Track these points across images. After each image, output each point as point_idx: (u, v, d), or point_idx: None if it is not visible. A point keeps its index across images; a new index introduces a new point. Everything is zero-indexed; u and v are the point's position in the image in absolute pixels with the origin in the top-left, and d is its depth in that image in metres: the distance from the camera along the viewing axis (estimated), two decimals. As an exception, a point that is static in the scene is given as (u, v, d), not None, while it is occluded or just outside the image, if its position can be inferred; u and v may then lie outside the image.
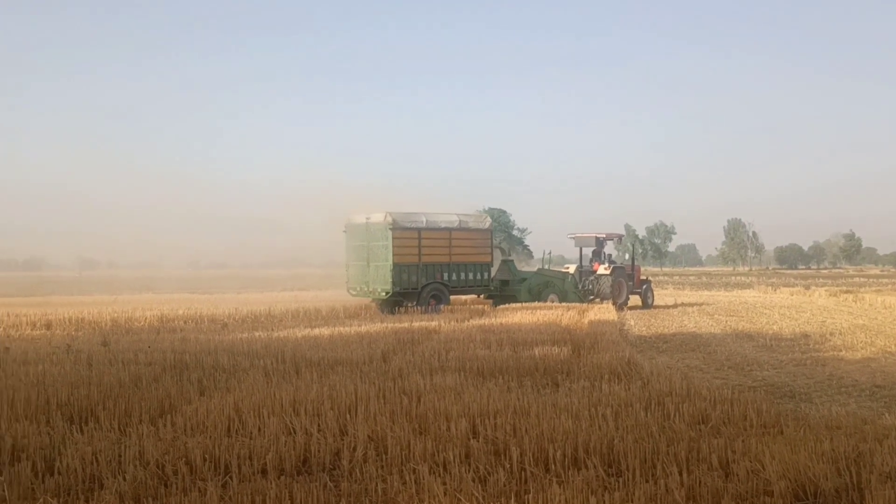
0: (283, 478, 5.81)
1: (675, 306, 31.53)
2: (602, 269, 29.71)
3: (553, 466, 6.03)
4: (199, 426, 7.33)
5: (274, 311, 22.51)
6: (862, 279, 69.36)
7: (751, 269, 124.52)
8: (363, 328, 17.33)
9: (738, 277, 78.15)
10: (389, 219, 25.04)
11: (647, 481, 5.54)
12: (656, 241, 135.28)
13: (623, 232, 48.13)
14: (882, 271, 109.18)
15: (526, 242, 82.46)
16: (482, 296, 28.19)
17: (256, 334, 16.20)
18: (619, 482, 5.61)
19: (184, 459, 6.19)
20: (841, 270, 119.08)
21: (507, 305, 25.18)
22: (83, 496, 5.39)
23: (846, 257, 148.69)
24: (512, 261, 29.74)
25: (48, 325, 18.78)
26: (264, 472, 6.02)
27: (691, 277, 78.28)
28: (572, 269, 30.33)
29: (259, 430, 7.15)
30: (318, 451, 6.48)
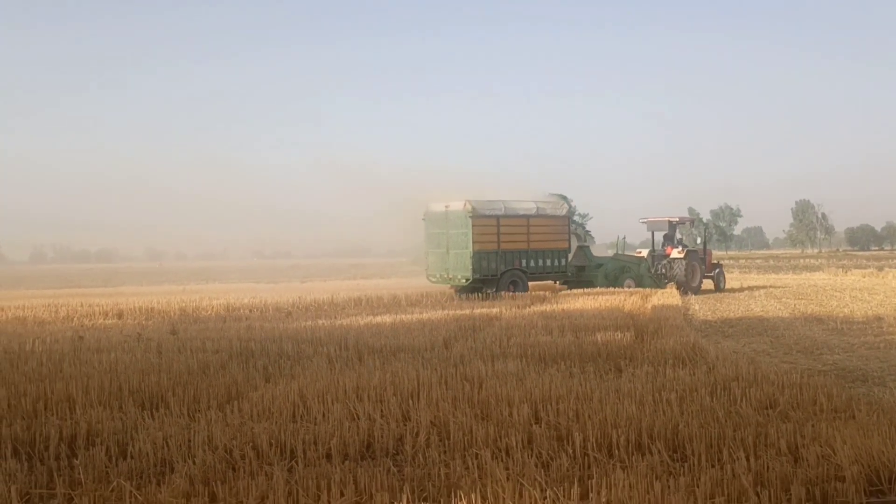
0: (347, 462, 5.89)
1: (741, 290, 30.87)
2: (676, 253, 29.44)
3: (617, 452, 5.98)
4: (265, 412, 7.47)
5: (336, 299, 22.78)
6: (939, 259, 66.73)
7: (820, 251, 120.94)
8: (424, 316, 17.42)
9: (807, 260, 76.01)
10: (469, 206, 25.48)
11: (713, 466, 5.45)
12: (721, 224, 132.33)
13: (691, 216, 47.49)
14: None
15: (587, 228, 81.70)
16: (558, 282, 28.22)
17: (320, 322, 16.44)
18: (684, 467, 5.53)
19: (251, 444, 6.32)
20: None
21: (568, 291, 25.00)
22: (155, 479, 5.55)
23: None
24: (588, 246, 29.71)
25: (119, 315, 19.39)
26: (329, 456, 6.11)
27: (758, 261, 76.50)
28: (645, 253, 30.08)
29: (323, 415, 7.26)
30: (382, 436, 6.55)
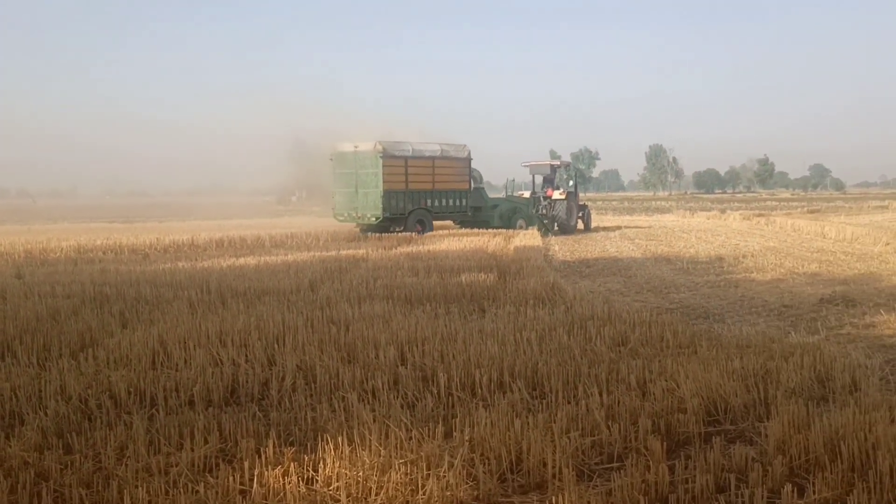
0: (210, 409, 5.80)
1: (596, 230, 32.25)
2: (557, 195, 30.96)
3: (479, 391, 6.18)
4: (122, 359, 7.21)
5: (197, 240, 22.07)
6: (774, 203, 72.04)
7: (670, 194, 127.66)
8: (290, 258, 17.19)
9: (658, 202, 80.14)
10: (379, 147, 26.07)
11: (568, 402, 5.75)
12: (581, 166, 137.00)
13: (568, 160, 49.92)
14: (793, 195, 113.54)
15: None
16: (455, 222, 29.02)
17: (179, 265, 15.90)
18: (542, 404, 5.80)
19: (107, 393, 6.11)
20: (755, 194, 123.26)
21: (433, 233, 25.32)
22: (3, 432, 5.27)
23: (760, 182, 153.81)
24: (483, 188, 30.42)
25: (-44, 258, 18.01)
26: (192, 403, 6.00)
27: (614, 202, 79.87)
28: (527, 195, 31.51)
29: (185, 362, 7.09)
30: (247, 381, 6.48)
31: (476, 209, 28.95)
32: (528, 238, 22.85)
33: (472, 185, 29.12)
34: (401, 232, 25.55)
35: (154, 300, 10.84)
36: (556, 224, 30.45)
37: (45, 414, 5.58)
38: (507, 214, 29.27)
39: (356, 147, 26.78)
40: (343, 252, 18.33)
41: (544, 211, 30.53)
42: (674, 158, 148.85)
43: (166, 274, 13.75)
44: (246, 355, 7.28)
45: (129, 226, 37.28)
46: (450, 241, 21.29)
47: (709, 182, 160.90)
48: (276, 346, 7.67)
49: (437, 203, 27.56)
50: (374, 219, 26.28)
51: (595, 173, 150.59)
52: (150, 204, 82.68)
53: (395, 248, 19.62)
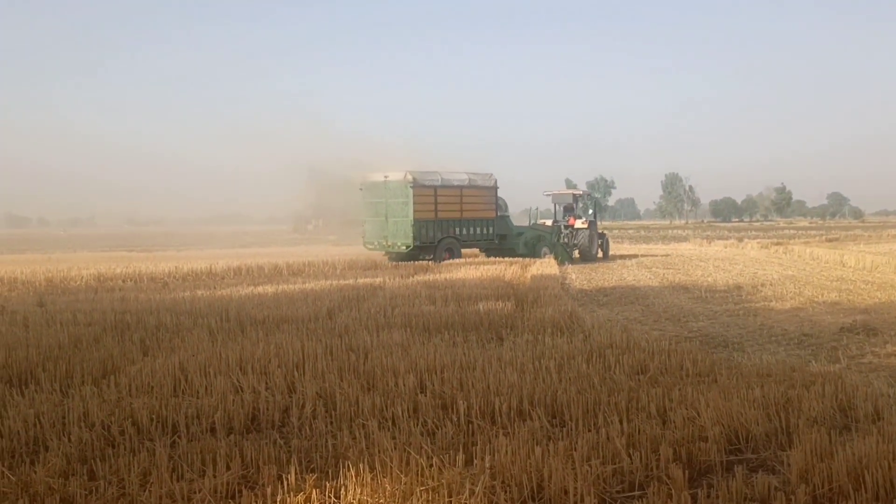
0: (232, 436, 5.83)
1: (613, 259, 32.20)
2: (580, 224, 31.61)
3: (499, 419, 6.18)
4: (144, 386, 7.27)
5: (215, 268, 22.22)
6: (791, 231, 71.66)
7: (687, 223, 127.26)
8: (307, 286, 17.27)
9: (675, 231, 79.92)
10: (409, 177, 26.66)
11: (589, 430, 5.73)
12: (597, 195, 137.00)
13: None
14: (810, 223, 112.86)
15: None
16: (481, 250, 29.43)
17: (198, 293, 16.01)
18: (562, 432, 5.80)
19: (130, 420, 6.15)
20: (772, 223, 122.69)
21: (450, 262, 25.39)
22: (28, 459, 5.33)
23: (777, 210, 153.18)
24: (508, 216, 30.76)
25: (-21, 286, 18.22)
26: (213, 430, 6.03)
27: (630, 231, 79.72)
28: (549, 223, 32.14)
29: (206, 389, 7.14)
30: (267, 408, 6.51)
31: (502, 237, 29.37)
32: (545, 266, 22.85)
33: (498, 213, 29.62)
34: (430, 260, 26.06)
35: (174, 328, 10.93)
36: (577, 252, 31.01)
37: (69, 440, 5.63)
38: (532, 242, 29.71)
39: (386, 177, 27.34)
40: (360, 280, 18.40)
41: (566, 240, 30.95)
42: (690, 187, 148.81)
43: (185, 302, 13.86)
44: (266, 383, 7.32)
45: (147, 254, 37.64)
46: (467, 269, 21.33)
47: (725, 210, 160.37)
48: (295, 373, 7.71)
49: (465, 231, 28.02)
50: (404, 247, 26.70)
51: (611, 202, 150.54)
52: (167, 233, 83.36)
53: (413, 277, 19.67)
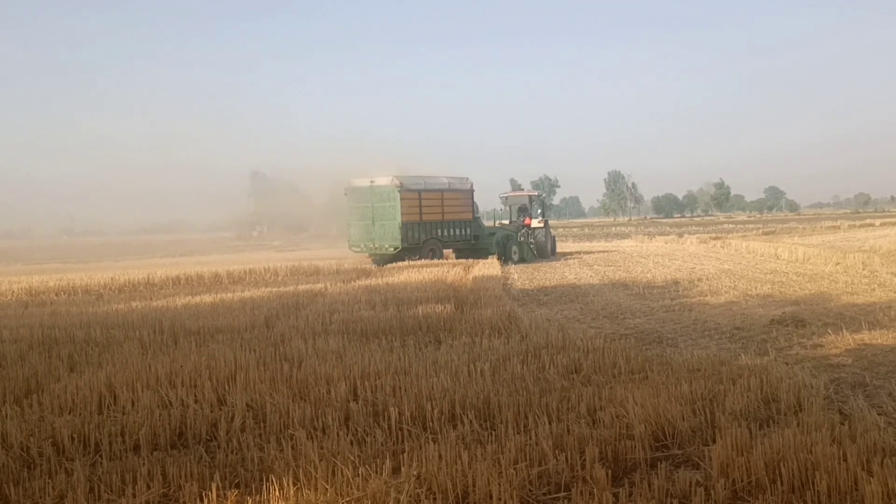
0: (156, 453, 5.70)
1: (556, 257, 32.52)
2: (536, 223, 33.04)
3: (430, 424, 6.16)
4: (67, 404, 7.05)
5: (153, 279, 21.75)
6: (730, 225, 73.37)
7: (630, 220, 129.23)
8: (246, 294, 17.02)
9: (618, 228, 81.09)
10: (397, 182, 28.00)
11: (518, 433, 5.75)
12: (541, 194, 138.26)
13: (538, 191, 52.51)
14: (749, 217, 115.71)
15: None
16: (455, 250, 30.44)
17: (133, 304, 15.65)
18: (492, 435, 5.80)
19: (50, 440, 5.97)
20: (712, 218, 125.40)
21: (392, 266, 25.35)
22: (-61, 486, 5.12)
23: (717, 205, 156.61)
24: (480, 217, 32.23)
25: None
26: (137, 448, 5.89)
27: (574, 229, 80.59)
28: (506, 224, 33.44)
29: (132, 404, 6.96)
30: (195, 422, 6.38)
31: (476, 237, 30.66)
32: (486, 268, 22.93)
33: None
34: (416, 260, 27.09)
35: (105, 342, 10.65)
36: (534, 250, 32.26)
37: (-16, 464, 5.43)
38: (503, 242, 30.84)
39: (372, 181, 28.54)
40: (301, 287, 18.21)
41: (522, 238, 32.03)
42: (633, 184, 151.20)
43: (119, 315, 13.53)
44: (195, 396, 7.17)
45: (83, 265, 36.69)
46: (409, 272, 21.27)
47: (667, 207, 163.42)
48: (227, 385, 7.56)
49: (446, 233, 29.50)
50: (392, 249, 27.88)
51: (556, 200, 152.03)
52: (105, 243, 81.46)
53: (355, 282, 19.55)
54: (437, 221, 29.21)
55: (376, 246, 28.44)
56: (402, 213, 27.76)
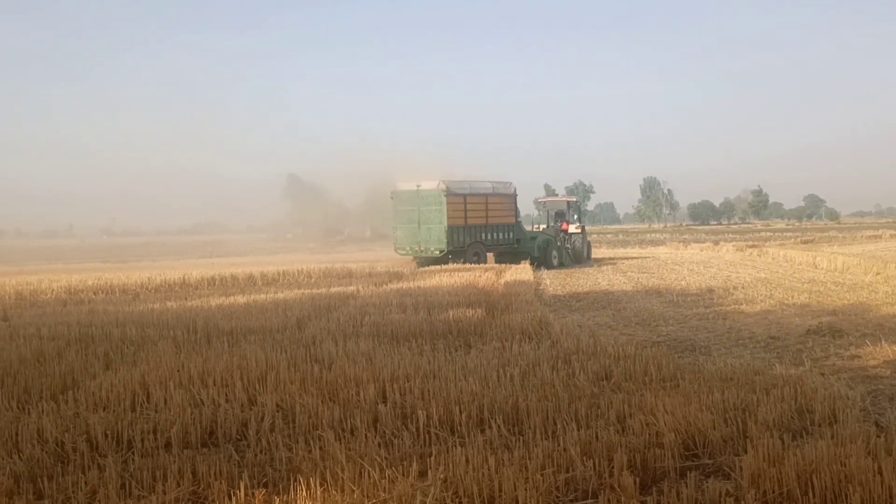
0: (187, 451, 5.77)
1: (590, 263, 32.33)
2: (573, 229, 33.37)
3: (458, 428, 6.15)
4: (102, 401, 7.18)
5: (189, 279, 22.04)
6: (768, 233, 72.29)
7: (665, 226, 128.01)
8: (279, 295, 17.18)
9: (653, 234, 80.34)
10: (443, 186, 28.62)
11: (546, 439, 5.72)
12: (578, 200, 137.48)
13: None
14: (787, 225, 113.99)
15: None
16: (496, 254, 30.93)
17: (168, 304, 15.87)
18: (520, 441, 5.78)
19: (84, 436, 6.07)
20: (749, 225, 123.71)
21: (424, 269, 25.41)
22: (-23, 478, 5.23)
23: (754, 212, 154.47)
24: (521, 222, 32.47)
25: (-54, 301, 17.95)
26: (168, 446, 5.96)
27: (609, 235, 79.98)
28: (542, 228, 33.60)
29: (165, 402, 7.06)
30: (225, 421, 6.45)
31: (518, 241, 30.97)
32: (519, 273, 22.87)
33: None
34: (461, 263, 27.62)
35: (139, 341, 10.81)
36: (572, 255, 32.44)
37: (20, 458, 5.54)
38: (543, 246, 30.97)
39: (419, 186, 29.15)
40: (333, 289, 18.32)
41: (559, 244, 32.17)
42: (668, 191, 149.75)
43: (154, 314, 13.73)
44: (226, 395, 7.25)
45: (122, 265, 37.30)
46: (441, 276, 21.29)
47: (704, 214, 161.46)
48: (257, 385, 7.64)
49: (490, 236, 29.87)
50: (437, 252, 28.47)
51: (590, 206, 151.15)
52: (145, 243, 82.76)
53: (386, 285, 19.62)
54: (482, 225, 29.65)
55: (422, 249, 29.01)
56: (447, 217, 28.32)
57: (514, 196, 31.40)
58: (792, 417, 6.19)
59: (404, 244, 29.78)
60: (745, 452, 5.32)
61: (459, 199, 28.92)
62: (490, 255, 30.56)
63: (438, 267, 26.11)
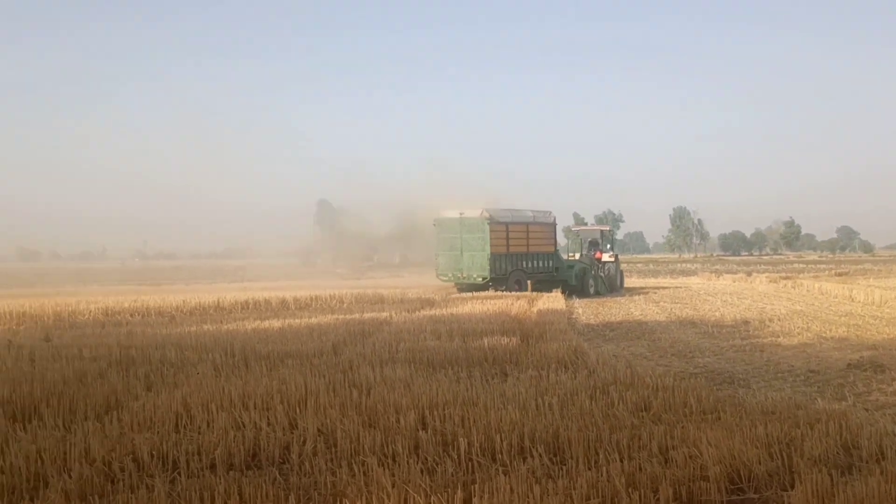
0: (231, 473, 5.83)
1: (622, 293, 32.14)
2: (606, 257, 33.63)
3: (500, 456, 6.16)
4: (146, 422, 7.29)
5: (223, 303, 22.29)
6: (801, 265, 71.36)
7: (696, 256, 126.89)
8: (313, 320, 17.30)
9: (684, 264, 79.70)
10: (486, 214, 29.30)
11: (589, 469, 5.70)
12: (611, 229, 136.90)
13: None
14: (820, 257, 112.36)
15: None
16: (533, 282, 30.91)
17: (205, 327, 16.06)
18: (562, 470, 5.77)
19: (131, 456, 6.17)
20: (781, 257, 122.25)
21: (456, 297, 25.46)
22: (28, 495, 5.34)
23: (786, 244, 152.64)
24: (559, 250, 33.13)
25: (-12, 320, 18.32)
26: (213, 467, 6.03)
27: (639, 265, 79.48)
28: (577, 257, 33.95)
29: (208, 424, 7.15)
30: (268, 445, 6.51)
31: (556, 269, 31.34)
32: (551, 301, 22.82)
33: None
34: (501, 290, 27.86)
35: (179, 363, 10.96)
36: (605, 284, 32.56)
37: (70, 476, 5.64)
38: (580, 275, 31.32)
39: (462, 213, 29.69)
40: (366, 315, 18.41)
41: (593, 272, 32.34)
42: (699, 220, 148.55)
43: (191, 336, 13.90)
44: (268, 419, 7.32)
45: (156, 288, 37.77)
46: (473, 304, 21.32)
47: (734, 244, 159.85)
48: (297, 409, 7.70)
49: (530, 264, 30.36)
50: (480, 279, 28.99)
51: (619, 235, 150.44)
52: (176, 266, 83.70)
53: (419, 311, 19.68)
54: (523, 253, 30.07)
55: (464, 276, 29.44)
56: (490, 245, 28.77)
57: (554, 225, 31.97)
58: (838, 453, 6.11)
59: (446, 271, 30.19)
60: (792, 488, 5.28)
61: (502, 228, 29.40)
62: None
63: (470, 294, 26.20)
